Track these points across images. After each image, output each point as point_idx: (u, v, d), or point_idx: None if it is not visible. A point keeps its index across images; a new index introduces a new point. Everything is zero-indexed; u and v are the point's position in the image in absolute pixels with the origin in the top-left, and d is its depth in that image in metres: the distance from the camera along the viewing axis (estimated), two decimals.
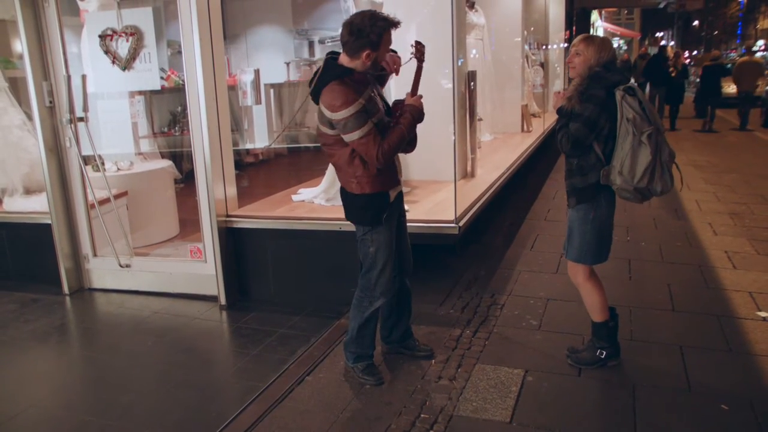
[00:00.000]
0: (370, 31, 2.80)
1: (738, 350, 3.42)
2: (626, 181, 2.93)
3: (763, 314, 3.85)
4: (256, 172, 7.73)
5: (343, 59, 2.91)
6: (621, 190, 2.99)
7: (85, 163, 4.64)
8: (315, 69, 3.23)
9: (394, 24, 2.88)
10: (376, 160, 2.87)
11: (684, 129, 13.27)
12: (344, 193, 3.09)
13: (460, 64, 5.46)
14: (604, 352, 3.25)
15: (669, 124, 13.14)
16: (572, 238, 3.17)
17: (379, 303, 3.17)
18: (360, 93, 2.84)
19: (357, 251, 3.19)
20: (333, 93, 2.82)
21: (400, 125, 2.93)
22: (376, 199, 3.02)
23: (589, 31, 23.80)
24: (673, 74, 13.44)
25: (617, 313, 3.28)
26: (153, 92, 5.85)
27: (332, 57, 2.96)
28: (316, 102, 2.96)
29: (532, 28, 10.41)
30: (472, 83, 5.65)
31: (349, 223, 3.40)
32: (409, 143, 3.04)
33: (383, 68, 3.01)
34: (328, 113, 2.85)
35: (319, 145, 3.15)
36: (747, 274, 4.54)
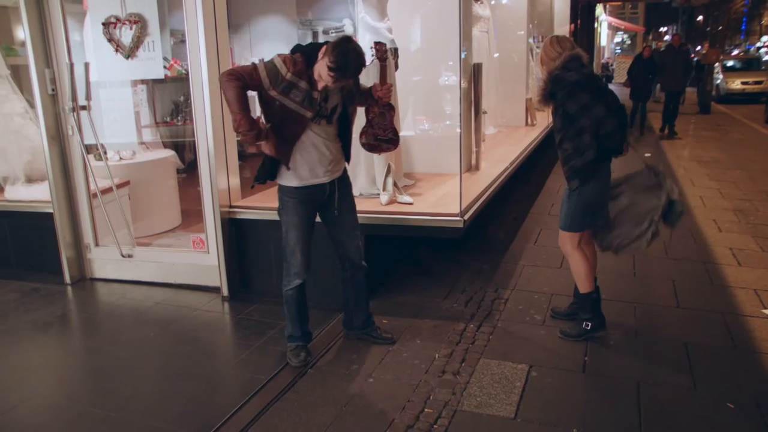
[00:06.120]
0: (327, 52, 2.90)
1: (743, 348, 3.41)
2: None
3: None
4: (258, 163, 7.68)
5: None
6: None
7: (88, 152, 4.61)
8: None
9: (341, 73, 2.91)
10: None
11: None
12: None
13: (463, 56, 5.42)
14: (590, 324, 3.47)
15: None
16: (562, 208, 3.53)
17: (295, 283, 3.28)
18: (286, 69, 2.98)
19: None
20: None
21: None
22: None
23: (593, 26, 23.69)
24: None
25: (598, 285, 3.54)
26: (155, 81, 5.81)
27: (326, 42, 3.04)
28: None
29: (536, 21, 10.34)
30: (478, 76, 5.60)
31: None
32: (388, 141, 3.42)
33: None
34: None
35: None
36: (752, 272, 4.52)
